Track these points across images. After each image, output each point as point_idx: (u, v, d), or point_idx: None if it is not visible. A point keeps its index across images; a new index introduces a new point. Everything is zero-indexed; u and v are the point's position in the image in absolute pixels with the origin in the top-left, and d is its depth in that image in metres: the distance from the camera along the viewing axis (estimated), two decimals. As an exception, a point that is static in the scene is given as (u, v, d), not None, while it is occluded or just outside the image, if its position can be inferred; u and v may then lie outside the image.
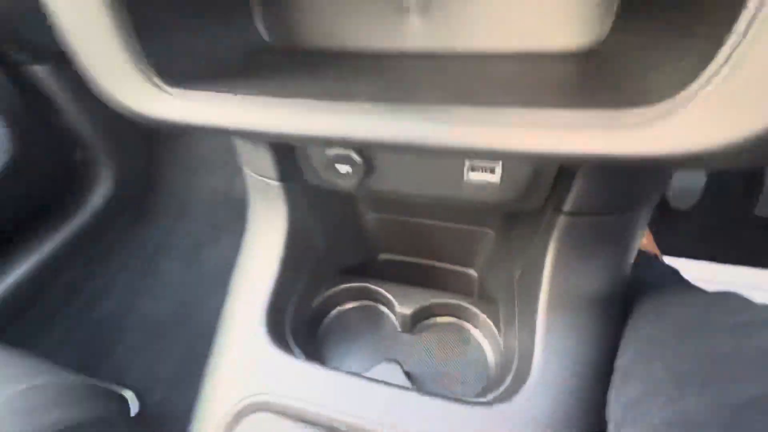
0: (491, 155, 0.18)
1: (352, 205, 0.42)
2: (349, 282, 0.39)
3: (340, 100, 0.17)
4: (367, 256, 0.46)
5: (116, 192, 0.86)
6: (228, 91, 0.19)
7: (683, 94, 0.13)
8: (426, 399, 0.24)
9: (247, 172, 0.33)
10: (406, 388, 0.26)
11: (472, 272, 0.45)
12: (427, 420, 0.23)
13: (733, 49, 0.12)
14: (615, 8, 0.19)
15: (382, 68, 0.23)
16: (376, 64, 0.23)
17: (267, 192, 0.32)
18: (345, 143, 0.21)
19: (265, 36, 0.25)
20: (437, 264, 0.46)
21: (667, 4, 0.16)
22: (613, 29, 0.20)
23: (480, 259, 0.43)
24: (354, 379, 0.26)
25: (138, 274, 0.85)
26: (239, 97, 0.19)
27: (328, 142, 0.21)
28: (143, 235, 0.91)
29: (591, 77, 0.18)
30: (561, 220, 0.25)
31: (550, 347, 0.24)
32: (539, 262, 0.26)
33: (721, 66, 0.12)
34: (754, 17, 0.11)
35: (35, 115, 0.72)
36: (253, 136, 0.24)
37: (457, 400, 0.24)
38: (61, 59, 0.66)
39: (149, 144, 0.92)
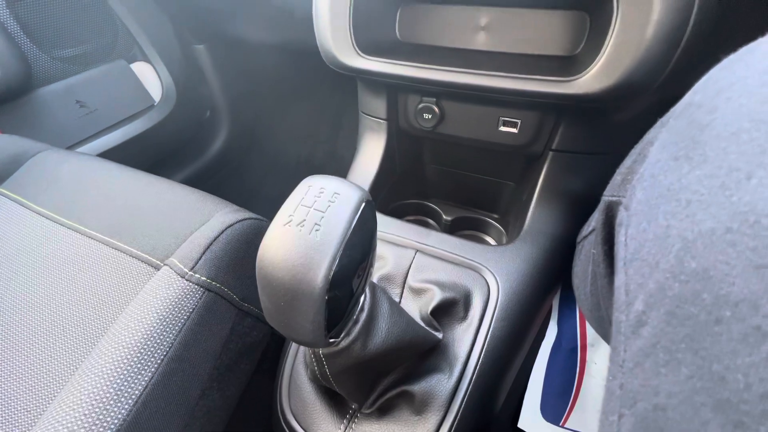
0: (509, 92, 0.37)
1: (420, 154, 0.62)
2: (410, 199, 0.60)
3: (441, 65, 0.38)
4: (422, 196, 0.66)
5: (228, 145, 1.12)
6: (384, 59, 0.40)
7: (589, 70, 0.32)
8: (457, 239, 0.43)
9: (364, 114, 0.54)
10: (449, 233, 0.45)
11: (495, 216, 0.63)
12: (459, 248, 0.42)
13: (602, 58, 0.31)
14: (584, 39, 0.38)
15: (461, 55, 0.43)
16: (458, 53, 0.44)
17: (374, 127, 0.53)
18: (441, 85, 0.41)
19: (399, 37, 0.47)
20: (471, 209, 0.65)
21: (597, 43, 0.35)
22: (582, 49, 0.39)
23: (502, 206, 0.62)
24: (413, 224, 0.46)
25: (235, 209, 1.10)
26: (390, 61, 0.40)
27: (433, 84, 0.41)
28: (242, 181, 1.16)
29: (563, 65, 0.37)
30: (551, 154, 0.44)
31: (534, 219, 0.43)
32: (536, 179, 0.45)
33: (599, 62, 0.31)
34: (610, 42, 0.30)
35: (191, 82, 1.00)
36: (390, 78, 0.43)
37: (480, 241, 0.43)
38: (214, 41, 0.93)
39: (255, 114, 1.18)
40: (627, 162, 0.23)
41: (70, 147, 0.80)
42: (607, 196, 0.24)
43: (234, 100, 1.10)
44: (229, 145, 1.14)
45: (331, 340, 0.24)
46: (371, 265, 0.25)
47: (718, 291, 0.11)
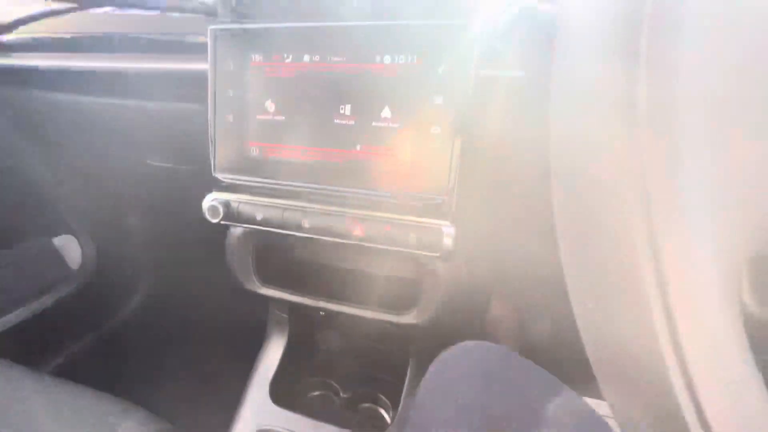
0: (369, 319, 0.52)
1: (320, 338, 0.73)
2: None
3: (317, 297, 0.53)
4: (326, 372, 0.74)
5: (146, 303, 1.13)
6: (275, 288, 0.54)
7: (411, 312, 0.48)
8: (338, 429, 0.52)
9: (272, 309, 0.66)
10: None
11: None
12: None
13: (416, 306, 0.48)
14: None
15: (340, 275, 0.59)
16: (339, 272, 0.59)
17: (280, 320, 0.65)
18: (318, 308, 0.55)
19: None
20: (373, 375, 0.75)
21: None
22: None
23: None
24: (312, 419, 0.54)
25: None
26: (279, 290, 0.54)
27: (313, 309, 0.55)
28: (157, 343, 1.13)
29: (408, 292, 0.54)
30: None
31: (405, 408, 0.54)
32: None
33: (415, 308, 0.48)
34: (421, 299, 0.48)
35: (117, 249, 1.05)
36: (281, 302, 0.57)
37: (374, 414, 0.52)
38: (148, 214, 1.03)
39: (174, 273, 1.21)
40: None
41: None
42: None
43: (156, 264, 1.15)
44: (150, 301, 1.15)
45: None
46: None
47: None
